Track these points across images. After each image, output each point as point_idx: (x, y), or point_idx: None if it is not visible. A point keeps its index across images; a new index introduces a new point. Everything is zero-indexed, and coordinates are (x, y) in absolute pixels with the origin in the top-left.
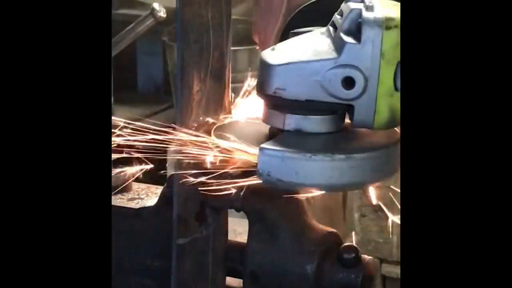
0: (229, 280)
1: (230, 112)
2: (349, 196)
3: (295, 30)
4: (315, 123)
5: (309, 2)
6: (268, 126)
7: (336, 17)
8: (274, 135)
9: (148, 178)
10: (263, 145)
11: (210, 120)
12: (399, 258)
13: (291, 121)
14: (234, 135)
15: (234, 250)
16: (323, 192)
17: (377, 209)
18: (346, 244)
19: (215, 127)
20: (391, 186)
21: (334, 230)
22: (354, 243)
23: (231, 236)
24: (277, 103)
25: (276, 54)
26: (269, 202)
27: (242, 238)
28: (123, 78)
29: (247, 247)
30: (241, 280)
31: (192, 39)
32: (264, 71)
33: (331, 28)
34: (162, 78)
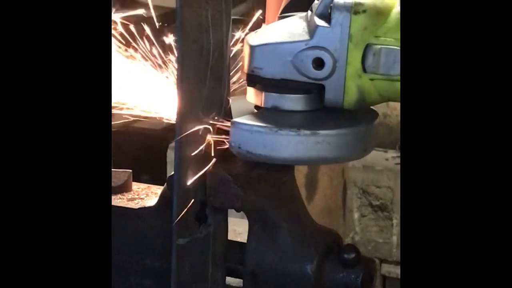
0: (229, 280)
1: (229, 112)
2: (349, 196)
3: (282, 15)
4: (290, 101)
5: None
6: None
7: (315, 2)
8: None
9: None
10: (235, 119)
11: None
12: (399, 258)
13: (268, 99)
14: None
15: (234, 250)
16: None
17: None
18: (346, 244)
19: None
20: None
21: (334, 230)
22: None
23: (231, 236)
24: (255, 82)
25: (257, 36)
26: (269, 202)
27: (242, 238)
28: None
29: (247, 247)
30: (241, 280)
31: (192, 39)
32: (246, 51)
33: (309, 13)
34: None
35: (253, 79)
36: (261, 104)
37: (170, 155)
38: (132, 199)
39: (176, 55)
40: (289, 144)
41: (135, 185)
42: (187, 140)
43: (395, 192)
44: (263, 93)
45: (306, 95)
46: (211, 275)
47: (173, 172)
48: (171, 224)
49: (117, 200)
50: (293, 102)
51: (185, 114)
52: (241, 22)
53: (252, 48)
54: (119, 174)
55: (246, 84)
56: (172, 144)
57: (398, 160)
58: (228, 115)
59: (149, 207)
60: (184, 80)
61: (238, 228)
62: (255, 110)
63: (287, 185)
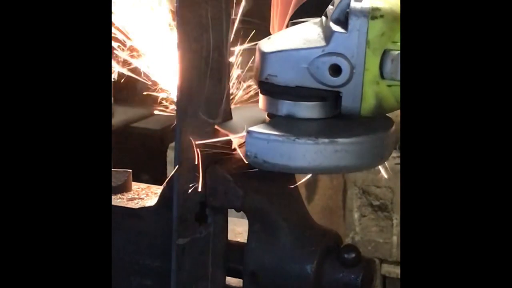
0: (229, 280)
1: (229, 112)
2: (349, 196)
3: (294, 20)
4: (305, 109)
5: None
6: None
7: (329, 7)
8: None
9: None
10: (251, 128)
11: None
12: (399, 258)
13: (283, 107)
14: (235, 121)
15: (234, 250)
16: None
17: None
18: (346, 244)
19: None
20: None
21: (334, 230)
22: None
23: (231, 236)
24: (269, 89)
25: (270, 42)
26: (269, 202)
27: (242, 238)
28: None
29: (247, 247)
30: (241, 280)
31: (192, 39)
32: (259, 58)
33: (324, 18)
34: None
35: (267, 87)
36: (276, 112)
37: (170, 155)
38: (132, 199)
39: (176, 55)
40: (306, 153)
41: (135, 185)
42: (187, 140)
43: (395, 192)
44: (278, 101)
45: (322, 102)
46: (211, 275)
47: (173, 172)
48: (171, 224)
49: (117, 200)
50: (309, 110)
51: (185, 114)
52: (241, 22)
53: (266, 55)
54: (119, 174)
55: (261, 93)
56: (172, 144)
57: (398, 160)
58: (228, 116)
59: (149, 207)
60: (184, 80)
61: (238, 228)
62: (267, 118)
63: (287, 185)
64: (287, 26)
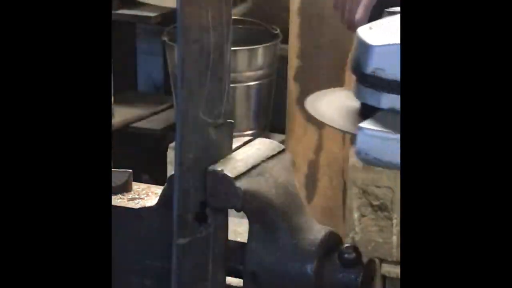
0: (229, 280)
1: (230, 112)
2: (349, 196)
3: (390, 9)
4: None
5: None
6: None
7: None
8: (366, 111)
9: None
10: (362, 125)
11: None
12: (399, 258)
13: (387, 101)
14: (325, 107)
15: (234, 250)
16: None
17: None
18: (346, 244)
19: (308, 98)
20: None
21: (334, 230)
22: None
23: (231, 236)
24: (374, 82)
25: (375, 34)
26: (269, 202)
27: (242, 238)
28: (123, 78)
29: (247, 247)
30: (241, 280)
31: (192, 39)
32: (362, 50)
33: None
34: (162, 78)
35: (372, 80)
36: (378, 105)
37: (170, 155)
38: (132, 199)
39: (176, 55)
40: None
41: (135, 185)
42: (188, 140)
43: (395, 192)
44: (382, 94)
45: None
46: (211, 275)
47: (173, 172)
48: (171, 224)
49: (117, 200)
50: None
51: (185, 114)
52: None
53: (373, 47)
54: (119, 174)
55: (360, 83)
56: (172, 144)
57: None
58: (228, 116)
59: (149, 207)
60: (184, 80)
61: (238, 228)
62: (358, 108)
63: (287, 185)
64: (376, 14)
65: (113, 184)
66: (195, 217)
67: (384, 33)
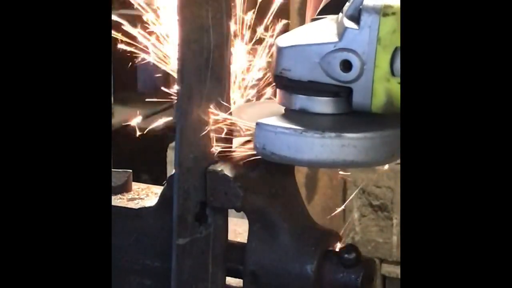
0: (229, 280)
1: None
2: (349, 196)
3: (314, 17)
4: (318, 104)
5: None
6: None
7: (347, 4)
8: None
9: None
10: (259, 120)
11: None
12: (399, 258)
13: (296, 101)
14: (249, 116)
15: (234, 250)
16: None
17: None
18: (346, 244)
19: (235, 108)
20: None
21: (334, 230)
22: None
23: (231, 236)
24: (284, 84)
25: (286, 37)
26: (269, 202)
27: (242, 238)
28: (123, 78)
29: (247, 247)
30: (241, 280)
31: (192, 39)
32: (274, 52)
33: (340, 15)
34: (162, 78)
35: (281, 81)
36: (289, 106)
37: (170, 155)
38: (132, 199)
39: (177, 55)
40: (313, 147)
41: (135, 185)
42: (187, 140)
43: (395, 192)
44: (292, 95)
45: (334, 98)
46: (211, 275)
47: (173, 172)
48: (171, 224)
49: (117, 200)
50: (321, 104)
51: (185, 114)
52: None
53: (281, 49)
54: (119, 174)
55: (277, 87)
56: (172, 144)
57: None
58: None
59: (149, 207)
60: (184, 80)
61: (238, 228)
62: (283, 112)
63: (287, 185)
64: None
65: (113, 184)
66: (195, 217)
67: (293, 36)
